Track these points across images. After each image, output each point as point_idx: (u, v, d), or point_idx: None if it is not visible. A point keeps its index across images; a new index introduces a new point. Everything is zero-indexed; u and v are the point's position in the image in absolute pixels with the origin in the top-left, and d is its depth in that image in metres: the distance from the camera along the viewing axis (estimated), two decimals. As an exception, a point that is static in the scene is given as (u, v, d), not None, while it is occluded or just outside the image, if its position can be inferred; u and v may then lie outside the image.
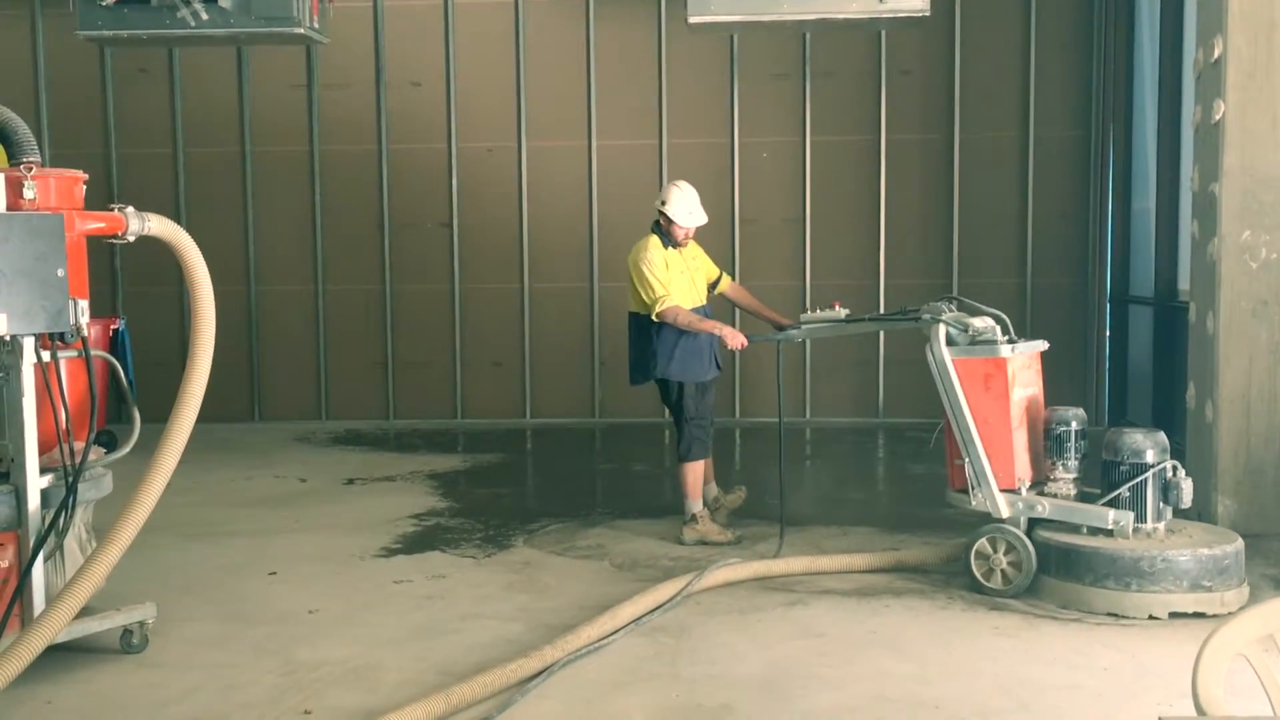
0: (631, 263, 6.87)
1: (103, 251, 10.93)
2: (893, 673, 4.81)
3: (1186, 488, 5.57)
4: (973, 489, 5.88)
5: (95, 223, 4.87)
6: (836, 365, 11.26)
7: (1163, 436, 5.71)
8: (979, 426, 5.85)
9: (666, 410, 7.30)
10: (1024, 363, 5.98)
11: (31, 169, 4.80)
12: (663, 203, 6.86)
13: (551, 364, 11.53)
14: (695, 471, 6.90)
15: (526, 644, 5.06)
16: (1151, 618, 5.34)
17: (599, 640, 5.10)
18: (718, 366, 7.03)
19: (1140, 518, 5.58)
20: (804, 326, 6.74)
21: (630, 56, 11.31)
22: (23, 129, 4.94)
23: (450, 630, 5.41)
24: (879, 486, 9.13)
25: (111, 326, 5.67)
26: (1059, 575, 5.61)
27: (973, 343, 5.95)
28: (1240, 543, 5.57)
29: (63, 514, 4.78)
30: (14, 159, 4.88)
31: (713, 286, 7.20)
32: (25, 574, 4.69)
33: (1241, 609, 4.36)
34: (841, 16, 8.25)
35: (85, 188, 5.07)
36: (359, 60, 11.39)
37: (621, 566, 6.44)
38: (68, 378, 4.79)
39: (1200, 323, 7.06)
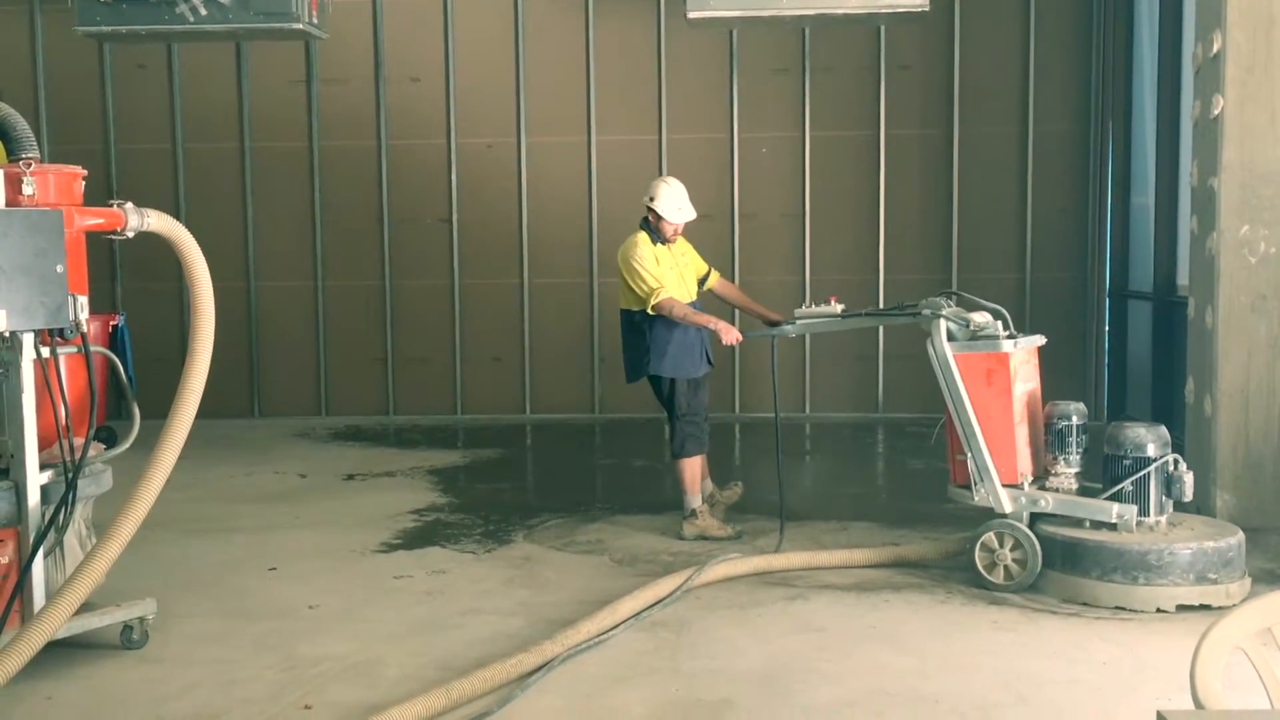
0: (621, 259, 6.83)
1: (102, 247, 10.91)
2: (892, 667, 4.82)
3: (1188, 481, 5.58)
4: (975, 484, 5.87)
5: (94, 219, 4.87)
6: (836, 360, 11.25)
7: (1164, 431, 5.72)
8: (981, 422, 5.84)
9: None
10: (1024, 357, 5.99)
11: (30, 165, 4.80)
12: (651, 199, 6.82)
13: (551, 359, 11.52)
14: (693, 467, 6.89)
15: (526, 639, 5.06)
16: (1159, 611, 5.35)
17: (599, 635, 5.10)
18: (709, 361, 7.02)
19: (1143, 511, 5.59)
20: (798, 322, 6.71)
21: (630, 51, 11.29)
22: (21, 125, 4.93)
23: (450, 625, 5.42)
24: (878, 481, 9.13)
25: (111, 322, 5.66)
26: (1064, 569, 5.61)
27: (974, 338, 5.95)
28: (1241, 535, 5.59)
29: (63, 510, 4.79)
30: (13, 155, 4.88)
31: (702, 282, 7.18)
32: (25, 570, 4.69)
33: (1244, 601, 4.38)
34: (841, 11, 8.25)
35: (84, 184, 5.07)
36: (358, 55, 11.36)
37: (621, 561, 6.45)
38: (67, 374, 4.79)
39: (1199, 317, 7.07)
